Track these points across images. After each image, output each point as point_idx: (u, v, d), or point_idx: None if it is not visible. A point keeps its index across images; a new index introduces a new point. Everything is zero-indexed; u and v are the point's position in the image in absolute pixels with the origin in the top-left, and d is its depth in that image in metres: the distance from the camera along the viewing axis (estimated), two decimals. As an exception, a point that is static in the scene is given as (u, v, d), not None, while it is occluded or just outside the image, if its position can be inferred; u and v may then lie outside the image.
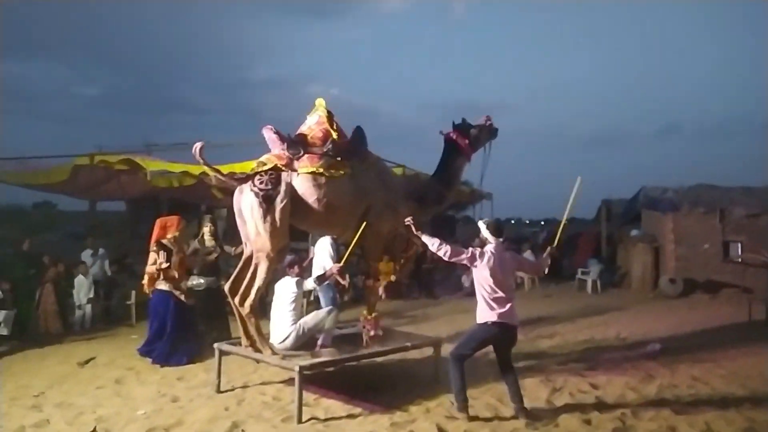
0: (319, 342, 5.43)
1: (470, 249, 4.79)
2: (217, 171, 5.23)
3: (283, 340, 5.27)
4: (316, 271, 6.95)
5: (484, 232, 4.80)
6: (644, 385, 5.63)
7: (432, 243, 4.76)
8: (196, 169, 8.82)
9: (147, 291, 6.73)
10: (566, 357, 6.90)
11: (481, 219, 5.15)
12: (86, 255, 10.03)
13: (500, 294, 4.60)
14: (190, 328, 6.74)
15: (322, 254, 7.48)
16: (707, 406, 4.98)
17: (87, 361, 6.70)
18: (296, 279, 5.47)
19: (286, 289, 5.47)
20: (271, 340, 5.29)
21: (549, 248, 5.05)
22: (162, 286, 6.62)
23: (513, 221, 39.71)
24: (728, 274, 12.86)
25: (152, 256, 6.57)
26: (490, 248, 4.72)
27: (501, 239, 4.79)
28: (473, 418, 4.59)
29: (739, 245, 13.11)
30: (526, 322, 9.22)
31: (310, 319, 5.42)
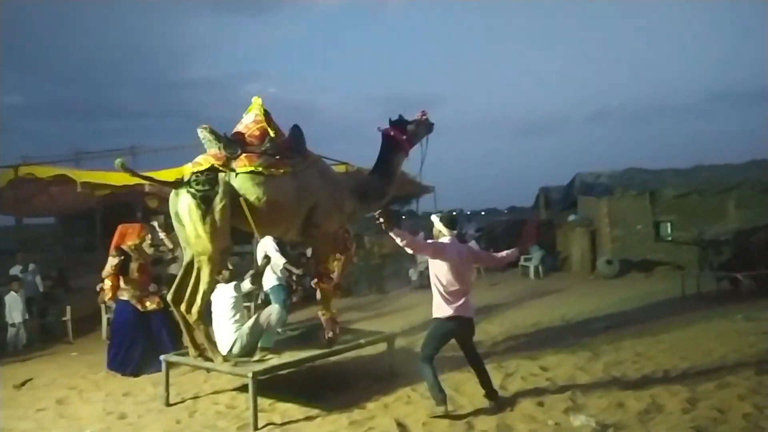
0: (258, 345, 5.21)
1: (433, 241, 4.72)
2: (149, 178, 5.07)
3: (229, 351, 5.13)
4: (267, 273, 6.83)
5: (438, 225, 4.72)
6: (591, 363, 5.83)
7: (400, 238, 4.41)
8: (128, 180, 8.54)
9: (107, 300, 6.79)
10: (516, 341, 7.08)
11: (426, 213, 5.19)
12: (15, 271, 9.50)
13: (456, 287, 4.55)
14: (158, 335, 6.57)
15: (267, 253, 7.33)
16: (652, 380, 5.21)
17: (24, 383, 6.35)
18: (233, 283, 5.29)
19: (222, 296, 5.27)
20: None
21: (521, 242, 5.01)
22: (123, 295, 6.56)
23: (455, 212, 40.31)
24: (661, 252, 13.50)
25: (110, 261, 6.52)
26: (445, 240, 4.67)
27: (455, 231, 4.74)
28: (452, 413, 4.50)
29: (669, 224, 13.79)
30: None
31: (251, 323, 5.26)
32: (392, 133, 5.94)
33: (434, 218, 4.80)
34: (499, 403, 4.65)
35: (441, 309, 4.59)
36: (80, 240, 18.69)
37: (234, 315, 5.23)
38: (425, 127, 6.11)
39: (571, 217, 15.25)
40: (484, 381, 4.72)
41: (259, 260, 7.55)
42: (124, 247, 6.62)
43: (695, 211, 13.42)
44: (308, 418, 4.65)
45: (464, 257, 4.67)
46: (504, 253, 4.99)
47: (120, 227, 6.81)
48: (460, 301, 4.57)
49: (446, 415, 4.44)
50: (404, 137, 5.94)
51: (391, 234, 4.45)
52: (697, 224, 13.05)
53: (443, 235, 4.70)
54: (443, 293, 4.57)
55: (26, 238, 13.45)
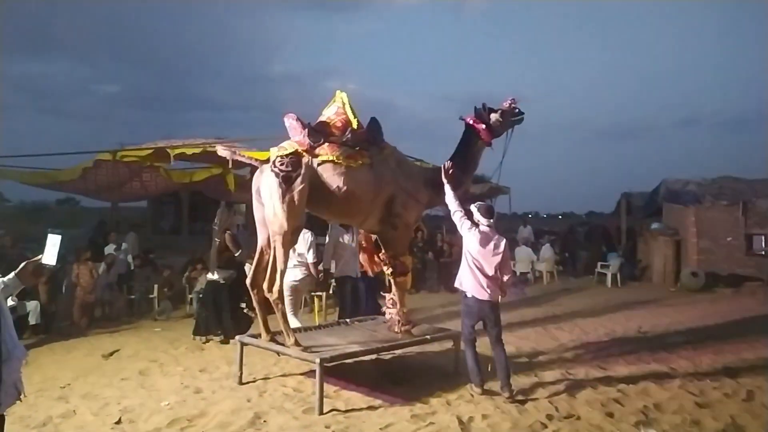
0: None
1: (469, 221, 5.16)
2: (240, 155, 5.35)
3: None
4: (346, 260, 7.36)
5: (476, 214, 5.16)
6: (667, 378, 5.58)
7: (451, 198, 5.31)
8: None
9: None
10: (586, 350, 6.86)
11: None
12: (110, 250, 10.18)
13: (481, 268, 5.01)
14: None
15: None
16: (732, 399, 4.93)
17: (111, 354, 6.81)
18: None
19: None
20: None
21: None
22: None
23: (530, 215, 39.44)
24: (751, 267, 12.69)
25: None
26: (482, 228, 5.09)
27: (491, 220, 5.12)
28: (487, 392, 4.96)
29: (763, 238, 12.92)
30: (545, 316, 9.20)
31: None
32: (470, 122, 5.89)
33: (473, 207, 5.24)
34: (513, 396, 4.87)
35: (459, 280, 5.17)
36: (167, 224, 19.81)
37: None
38: (512, 116, 5.89)
39: (655, 225, 14.57)
40: (501, 369, 4.99)
41: (328, 250, 7.79)
42: None
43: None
44: (371, 408, 4.73)
45: (493, 248, 5.04)
46: (507, 278, 5.17)
47: None
48: (481, 282, 5.01)
49: (483, 393, 4.95)
50: (483, 127, 5.83)
51: (447, 187, 5.32)
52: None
53: (481, 223, 5.13)
54: (468, 267, 5.07)
55: (119, 220, 14.37)
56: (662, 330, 8.05)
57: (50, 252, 2.49)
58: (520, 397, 4.90)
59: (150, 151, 10.16)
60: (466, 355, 5.16)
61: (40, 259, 2.52)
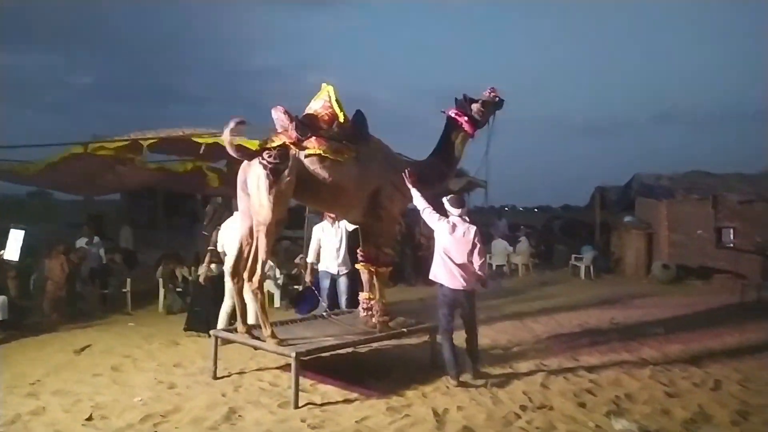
0: None
1: (438, 215, 5.36)
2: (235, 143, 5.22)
3: None
4: (326, 255, 7.30)
5: (446, 205, 5.36)
6: (638, 368, 5.69)
7: (418, 198, 5.46)
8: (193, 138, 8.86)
9: None
10: (560, 341, 6.96)
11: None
12: (81, 243, 10.01)
13: (452, 257, 5.18)
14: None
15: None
16: (701, 388, 5.05)
17: (83, 349, 6.69)
18: None
19: None
20: None
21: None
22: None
23: (507, 208, 39.76)
24: (721, 260, 12.97)
25: None
26: (451, 219, 5.29)
27: (459, 210, 5.31)
28: (462, 383, 5.09)
29: (731, 231, 13.21)
30: (521, 308, 9.30)
31: None
32: (452, 114, 5.95)
33: (444, 200, 5.43)
34: (480, 377, 5.21)
35: (434, 273, 5.31)
36: (143, 217, 19.52)
37: None
38: (492, 104, 5.96)
39: (628, 219, 14.81)
40: (471, 351, 5.31)
41: (312, 244, 7.76)
42: None
43: (760, 218, 12.81)
44: (347, 401, 4.74)
45: (462, 236, 5.21)
46: (478, 264, 5.25)
47: None
48: (453, 272, 5.16)
49: (459, 384, 5.07)
50: (465, 118, 5.89)
51: (415, 194, 5.46)
52: (761, 232, 12.46)
53: (451, 213, 5.32)
54: (442, 259, 5.22)
55: (93, 214, 14.11)
56: (635, 321, 8.20)
57: (12, 247, 2.44)
58: (481, 381, 5.17)
59: (122, 144, 9.96)
60: (442, 346, 5.24)
61: (2, 254, 2.46)
